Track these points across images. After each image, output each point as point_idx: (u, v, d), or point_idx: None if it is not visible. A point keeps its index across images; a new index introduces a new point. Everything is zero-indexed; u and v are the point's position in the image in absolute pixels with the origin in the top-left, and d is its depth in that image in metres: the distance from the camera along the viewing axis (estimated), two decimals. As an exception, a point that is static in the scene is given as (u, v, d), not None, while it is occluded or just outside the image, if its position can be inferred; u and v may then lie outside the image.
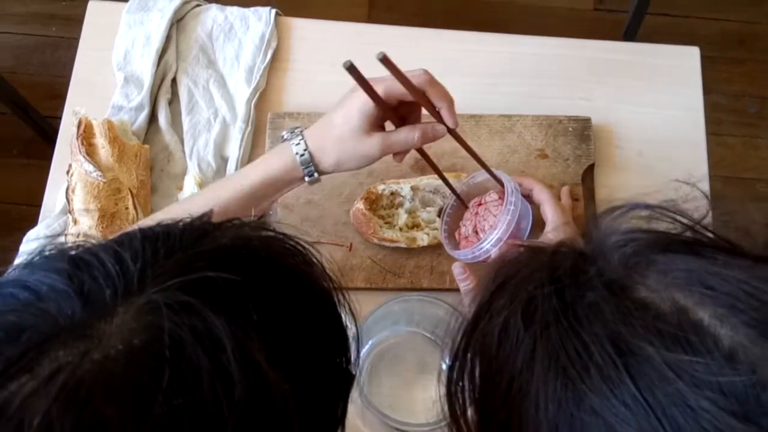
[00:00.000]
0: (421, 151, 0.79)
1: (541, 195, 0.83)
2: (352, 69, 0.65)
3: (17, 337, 0.31)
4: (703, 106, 1.00)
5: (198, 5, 1.03)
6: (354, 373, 0.45)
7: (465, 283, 0.78)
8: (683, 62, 1.02)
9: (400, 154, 0.77)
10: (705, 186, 0.96)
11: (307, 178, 0.74)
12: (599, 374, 0.36)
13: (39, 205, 1.94)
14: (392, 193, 0.90)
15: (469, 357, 0.45)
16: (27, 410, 0.28)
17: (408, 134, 0.72)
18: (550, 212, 0.81)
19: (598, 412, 0.36)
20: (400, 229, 0.89)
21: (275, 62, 1.00)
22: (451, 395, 0.46)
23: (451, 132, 0.76)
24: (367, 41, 1.04)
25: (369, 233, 0.88)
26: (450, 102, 0.72)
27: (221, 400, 0.31)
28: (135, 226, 0.40)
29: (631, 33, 1.87)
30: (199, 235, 0.39)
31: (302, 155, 0.72)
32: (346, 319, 0.44)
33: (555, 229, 0.80)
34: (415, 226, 0.90)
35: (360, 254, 0.90)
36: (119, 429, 0.29)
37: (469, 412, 0.46)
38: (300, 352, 0.38)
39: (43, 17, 2.07)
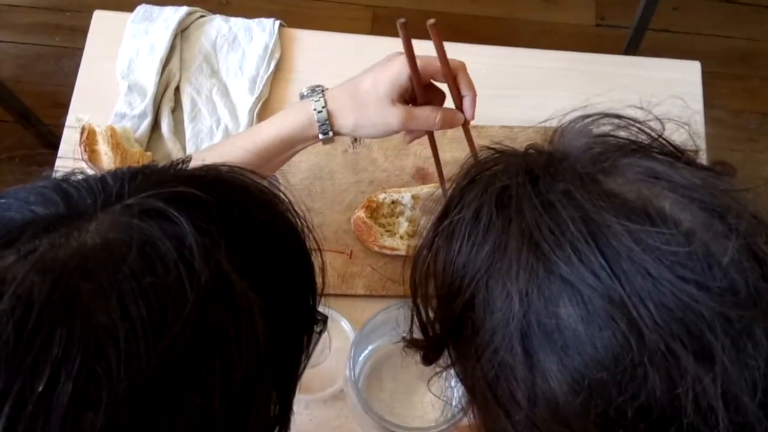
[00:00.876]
0: (432, 143, 0.79)
1: None
2: (404, 26, 0.65)
3: (4, 225, 0.35)
4: (703, 120, 1.00)
5: (203, 16, 1.04)
6: (319, 317, 0.47)
7: None
8: (684, 76, 1.03)
9: (412, 134, 0.77)
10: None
11: (321, 136, 0.73)
12: (570, 247, 0.40)
13: (41, 214, 1.95)
14: (393, 202, 0.90)
15: (438, 241, 0.48)
16: (7, 275, 0.31)
17: (431, 113, 0.72)
18: None
19: (566, 279, 0.39)
20: (401, 238, 0.89)
21: (278, 72, 1.01)
22: (415, 289, 0.50)
23: (465, 125, 0.77)
24: (370, 53, 1.03)
25: (370, 241, 0.88)
26: (474, 94, 0.74)
27: (184, 283, 0.34)
28: None
29: (632, 49, 1.88)
30: (175, 166, 0.43)
31: (320, 112, 0.72)
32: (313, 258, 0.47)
33: None
34: (415, 233, 0.90)
35: (360, 262, 0.90)
36: (90, 300, 0.32)
37: (430, 288, 0.49)
38: (266, 272, 0.41)
39: (48, 27, 2.09)
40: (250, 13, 2.09)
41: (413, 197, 0.90)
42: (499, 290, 0.42)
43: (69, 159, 0.94)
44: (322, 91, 0.74)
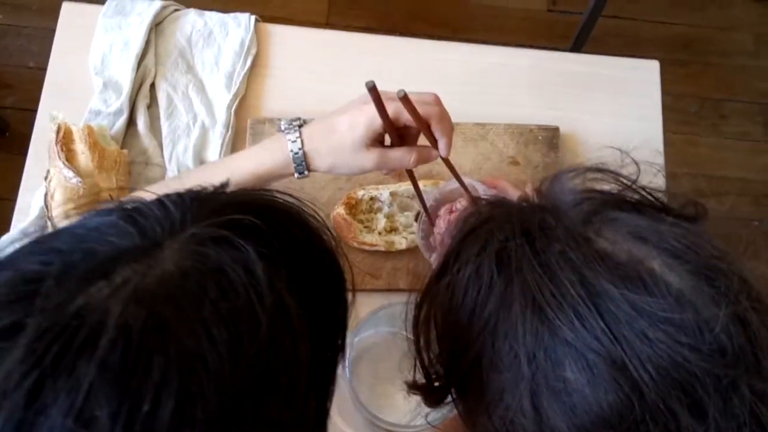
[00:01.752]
0: (410, 175, 0.82)
1: (514, 197, 0.88)
2: (373, 90, 0.67)
3: (92, 258, 0.37)
4: (661, 117, 1.06)
5: (177, 9, 1.03)
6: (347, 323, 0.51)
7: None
8: (644, 75, 1.08)
9: (388, 171, 0.80)
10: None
11: (296, 175, 0.75)
12: (573, 312, 0.43)
13: (-8, 199, 1.88)
14: (371, 198, 0.93)
15: (437, 300, 0.52)
16: (107, 308, 0.34)
17: (404, 155, 0.75)
18: None
19: (570, 343, 0.43)
20: (379, 233, 0.92)
21: (254, 68, 1.02)
22: (417, 335, 0.54)
23: (445, 160, 0.79)
24: (344, 49, 1.06)
25: (349, 237, 0.90)
26: (450, 137, 0.76)
27: (255, 307, 0.38)
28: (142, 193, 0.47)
29: (584, 35, 1.94)
30: (222, 192, 0.47)
31: (296, 153, 0.74)
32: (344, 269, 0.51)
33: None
34: (393, 229, 0.93)
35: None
36: (178, 326, 0.35)
37: (431, 334, 0.53)
38: (308, 288, 0.44)
39: (-9, 5, 2.01)
40: (213, 3, 2.07)
41: (391, 194, 0.93)
42: (506, 350, 0.45)
43: (39, 155, 0.93)
44: (299, 126, 0.75)
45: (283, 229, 0.44)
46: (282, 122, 0.77)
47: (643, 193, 0.50)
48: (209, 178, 0.74)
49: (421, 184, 0.93)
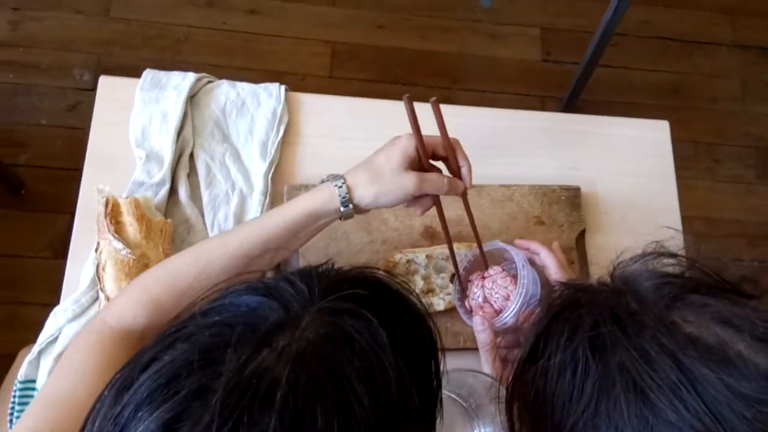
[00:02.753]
0: (439, 208, 0.87)
1: (547, 260, 0.92)
2: (409, 100, 0.75)
3: (255, 330, 0.45)
4: (674, 173, 1.12)
5: (210, 81, 1.07)
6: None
7: (483, 335, 0.87)
8: (655, 135, 1.14)
9: (423, 205, 0.84)
10: (680, 242, 1.08)
11: (342, 209, 0.80)
12: (674, 395, 0.47)
13: (7, 255, 1.89)
14: (408, 261, 0.97)
15: (530, 385, 0.55)
16: (277, 370, 0.42)
17: (439, 177, 0.82)
18: (556, 276, 0.90)
19: (674, 424, 0.47)
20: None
21: (286, 136, 1.06)
22: (511, 419, 0.58)
23: (464, 195, 0.86)
24: (372, 114, 1.11)
25: (389, 301, 0.94)
26: (470, 164, 0.84)
27: (386, 368, 0.45)
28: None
29: (579, 85, 2.02)
30: (334, 272, 0.54)
31: (340, 187, 0.79)
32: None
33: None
34: (430, 290, 0.97)
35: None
36: (330, 382, 0.43)
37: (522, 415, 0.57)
38: (410, 346, 0.51)
39: (1, 64, 2.04)
40: (209, 48, 2.13)
41: (427, 257, 0.97)
42: None
43: (85, 227, 0.96)
44: (342, 175, 0.81)
45: (388, 299, 0.52)
46: (324, 176, 0.83)
47: (710, 273, 0.54)
48: (264, 224, 0.79)
49: (454, 246, 0.98)
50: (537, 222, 1.04)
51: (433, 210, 0.88)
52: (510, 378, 0.58)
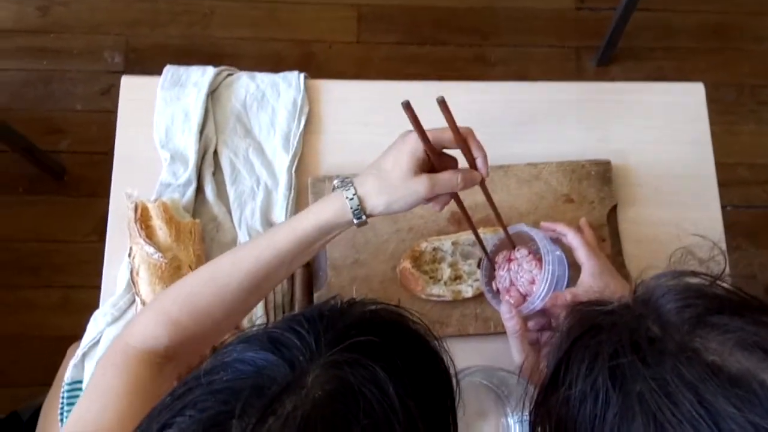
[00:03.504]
0: (458, 202, 0.86)
1: (574, 241, 0.90)
2: (407, 107, 0.71)
3: (260, 395, 0.45)
4: (710, 139, 1.08)
5: (230, 74, 1.07)
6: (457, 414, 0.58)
7: (511, 323, 0.86)
8: (689, 99, 1.09)
9: (440, 202, 0.82)
10: (717, 213, 1.05)
11: (355, 221, 0.78)
12: (694, 430, 0.46)
13: (49, 240, 1.96)
14: (434, 249, 0.97)
15: (552, 412, 0.55)
16: None
17: (452, 176, 0.79)
18: (584, 257, 0.88)
19: None
20: (445, 283, 0.96)
21: (309, 126, 1.05)
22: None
23: (482, 183, 0.83)
24: (394, 96, 1.08)
25: (417, 290, 0.94)
26: (485, 154, 0.81)
27: (392, 422, 0.46)
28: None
29: (617, 32, 1.94)
30: (341, 314, 0.53)
31: (351, 199, 0.77)
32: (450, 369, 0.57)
33: (592, 275, 0.87)
34: (457, 278, 0.97)
35: (408, 308, 0.96)
36: None
37: None
38: (422, 387, 0.51)
39: (33, 51, 2.07)
40: (234, 20, 2.12)
41: (453, 244, 0.97)
42: None
43: (118, 230, 0.98)
44: (351, 180, 0.79)
45: (398, 341, 0.52)
46: (335, 181, 0.81)
47: (735, 291, 0.52)
48: (275, 239, 0.79)
49: (480, 232, 0.97)
50: (566, 200, 1.02)
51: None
52: (533, 400, 0.58)
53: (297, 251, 0.78)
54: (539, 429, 0.57)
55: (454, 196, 0.84)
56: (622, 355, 0.50)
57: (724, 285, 0.53)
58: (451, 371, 0.56)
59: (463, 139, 0.79)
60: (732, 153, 2.10)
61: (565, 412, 0.53)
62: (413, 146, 0.77)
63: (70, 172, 1.96)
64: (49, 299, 1.87)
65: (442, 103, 0.73)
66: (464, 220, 0.96)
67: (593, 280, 0.87)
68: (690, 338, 0.49)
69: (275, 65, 2.02)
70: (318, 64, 2.08)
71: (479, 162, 0.81)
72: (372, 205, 0.78)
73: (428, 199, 0.80)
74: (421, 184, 0.77)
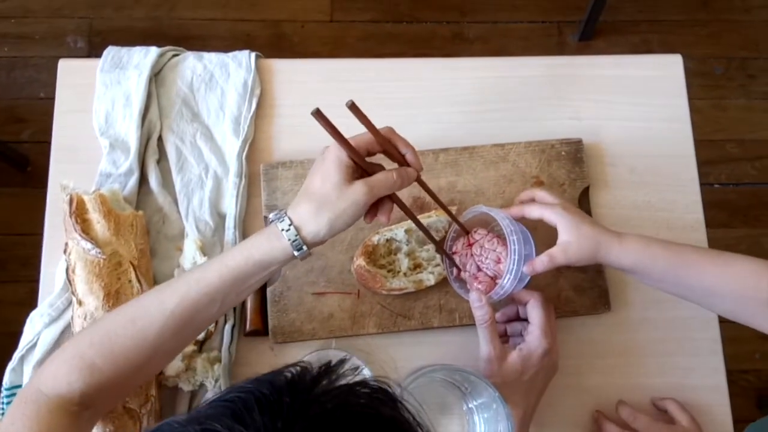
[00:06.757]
0: (399, 203, 0.79)
1: (534, 212, 0.84)
2: (318, 114, 0.65)
3: None
4: (689, 115, 1.01)
5: (175, 55, 1.00)
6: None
7: (481, 311, 0.82)
8: (667, 72, 1.03)
9: (384, 211, 0.76)
10: (696, 195, 0.98)
11: (296, 253, 0.72)
12: None
13: (14, 234, 1.89)
14: (388, 240, 0.90)
15: None
16: None
17: (387, 174, 0.73)
18: (553, 218, 0.82)
19: None
20: (405, 275, 0.90)
21: (261, 109, 0.99)
22: None
23: (419, 179, 0.78)
24: (353, 76, 1.03)
25: (377, 287, 0.88)
26: (414, 149, 0.75)
27: None
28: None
29: (599, 3, 1.87)
30: (304, 403, 0.43)
31: (288, 230, 0.71)
32: None
33: (567, 230, 0.81)
34: (417, 266, 0.91)
35: (369, 300, 0.90)
36: None
37: None
38: None
39: (-7, 37, 2.00)
40: (202, 0, 2.03)
41: (406, 231, 0.90)
42: None
43: (56, 224, 0.92)
44: (285, 211, 0.72)
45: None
46: (270, 215, 0.75)
47: None
48: (204, 276, 0.72)
49: (430, 217, 0.91)
50: (536, 182, 0.95)
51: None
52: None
53: (228, 289, 0.71)
54: None
55: (394, 199, 0.77)
56: None
57: None
58: None
59: (386, 139, 0.73)
60: (720, 129, 2.04)
61: None
62: (336, 155, 0.71)
63: (34, 162, 1.89)
64: (16, 295, 1.81)
65: (353, 107, 0.67)
66: (429, 202, 0.93)
67: (569, 235, 0.81)
68: None
69: (245, 47, 1.94)
70: (290, 45, 2.01)
71: (409, 157, 0.75)
72: (312, 231, 0.71)
73: (369, 215, 0.75)
74: (358, 190, 0.71)
